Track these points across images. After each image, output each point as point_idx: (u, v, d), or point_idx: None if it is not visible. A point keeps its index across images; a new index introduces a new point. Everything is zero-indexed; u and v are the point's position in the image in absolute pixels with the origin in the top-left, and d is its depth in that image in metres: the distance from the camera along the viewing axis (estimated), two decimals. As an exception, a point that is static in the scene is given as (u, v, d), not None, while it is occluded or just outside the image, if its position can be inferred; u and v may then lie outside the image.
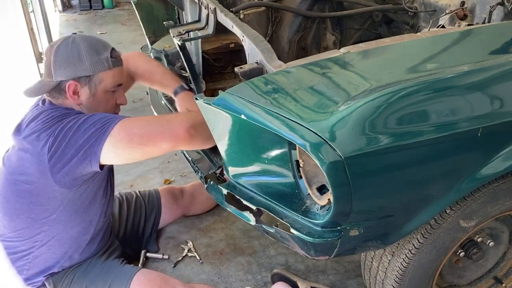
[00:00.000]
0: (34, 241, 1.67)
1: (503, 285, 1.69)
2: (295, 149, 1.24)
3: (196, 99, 1.30)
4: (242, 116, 1.16)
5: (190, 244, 2.21)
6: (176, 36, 1.92)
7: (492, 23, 1.71)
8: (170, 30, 1.99)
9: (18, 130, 1.61)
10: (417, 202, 1.22)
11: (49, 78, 1.55)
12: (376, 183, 1.12)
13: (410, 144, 1.09)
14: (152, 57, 2.35)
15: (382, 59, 1.36)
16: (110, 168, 1.82)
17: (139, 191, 2.24)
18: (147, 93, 2.35)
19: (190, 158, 1.75)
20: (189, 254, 2.17)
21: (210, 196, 1.55)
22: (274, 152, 1.30)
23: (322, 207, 1.22)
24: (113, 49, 1.62)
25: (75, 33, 1.61)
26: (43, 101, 1.65)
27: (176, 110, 1.94)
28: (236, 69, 1.41)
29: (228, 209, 1.38)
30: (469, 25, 1.71)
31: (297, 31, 2.49)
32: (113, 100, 1.66)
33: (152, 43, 2.62)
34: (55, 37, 4.04)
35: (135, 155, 1.54)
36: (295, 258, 2.09)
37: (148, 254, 2.15)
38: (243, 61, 1.78)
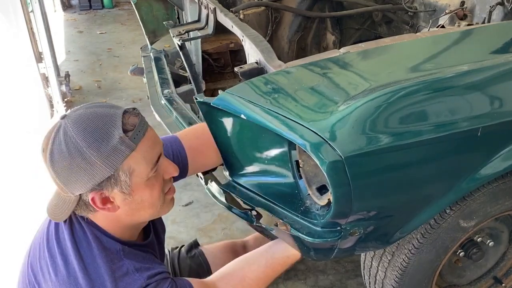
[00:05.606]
0: None
1: (503, 285, 1.69)
2: (295, 149, 1.24)
3: (196, 99, 1.30)
4: (242, 116, 1.16)
5: (190, 244, 2.21)
6: (176, 36, 1.92)
7: (492, 23, 1.71)
8: (170, 30, 2.00)
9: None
10: (417, 202, 1.22)
11: (64, 193, 1.09)
12: (376, 183, 1.12)
13: (410, 144, 1.09)
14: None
15: (382, 59, 1.36)
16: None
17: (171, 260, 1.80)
18: (148, 98, 2.35)
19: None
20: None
21: None
22: (274, 152, 1.30)
23: (322, 207, 1.22)
24: (124, 114, 1.07)
25: (64, 115, 1.06)
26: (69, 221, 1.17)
27: (175, 109, 1.95)
28: (236, 69, 1.42)
29: (228, 209, 1.38)
30: (469, 25, 1.71)
31: (297, 31, 2.50)
32: (157, 189, 1.14)
33: (152, 43, 2.63)
34: (55, 37, 4.03)
35: None
36: (295, 258, 2.09)
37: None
38: (243, 61, 1.79)
